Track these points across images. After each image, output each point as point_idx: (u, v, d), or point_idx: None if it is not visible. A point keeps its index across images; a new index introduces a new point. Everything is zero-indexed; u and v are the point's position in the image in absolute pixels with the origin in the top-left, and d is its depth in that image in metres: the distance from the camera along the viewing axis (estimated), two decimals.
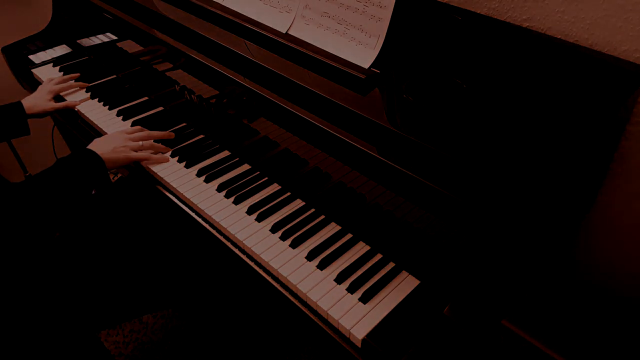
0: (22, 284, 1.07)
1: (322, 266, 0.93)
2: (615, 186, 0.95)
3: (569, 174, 0.82)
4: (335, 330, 0.85)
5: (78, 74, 1.45)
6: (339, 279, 0.90)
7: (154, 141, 1.19)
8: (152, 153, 1.17)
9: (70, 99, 1.39)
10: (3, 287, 1.03)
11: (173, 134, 1.24)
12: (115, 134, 1.19)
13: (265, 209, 1.04)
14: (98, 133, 1.30)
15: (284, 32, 1.11)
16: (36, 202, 1.00)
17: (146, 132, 1.21)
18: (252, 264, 0.97)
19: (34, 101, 1.35)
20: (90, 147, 1.13)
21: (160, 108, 1.36)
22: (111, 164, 1.11)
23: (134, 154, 1.14)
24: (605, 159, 0.92)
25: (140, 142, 1.17)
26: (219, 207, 1.04)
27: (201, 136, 1.25)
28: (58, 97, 1.40)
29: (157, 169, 1.14)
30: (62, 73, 1.49)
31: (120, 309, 1.23)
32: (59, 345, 1.07)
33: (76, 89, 1.42)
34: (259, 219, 1.02)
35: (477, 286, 0.81)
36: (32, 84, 1.50)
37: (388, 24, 0.97)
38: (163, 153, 1.18)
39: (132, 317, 1.66)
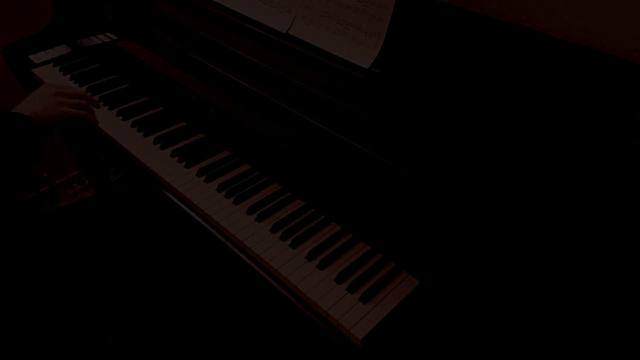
0: (19, 285, 1.07)
1: (322, 266, 0.93)
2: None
3: (569, 174, 0.82)
4: (335, 330, 0.85)
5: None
6: (339, 279, 0.90)
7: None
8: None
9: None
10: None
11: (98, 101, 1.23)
12: (41, 88, 1.15)
13: (265, 209, 1.04)
14: (97, 133, 1.30)
15: (284, 32, 1.11)
16: None
17: (80, 90, 1.19)
18: (252, 263, 0.97)
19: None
20: (17, 109, 1.07)
21: (160, 108, 1.36)
22: (48, 120, 1.08)
23: (73, 111, 1.12)
24: (606, 159, 0.92)
25: (78, 101, 1.15)
26: (219, 207, 1.04)
27: (201, 136, 1.25)
28: None
29: (157, 169, 1.14)
30: (62, 73, 1.49)
31: (120, 310, 1.24)
32: (59, 346, 1.07)
33: None
34: (259, 219, 1.02)
35: (478, 286, 0.81)
36: (32, 84, 1.50)
37: (388, 24, 0.97)
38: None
39: (133, 319, 1.66)
